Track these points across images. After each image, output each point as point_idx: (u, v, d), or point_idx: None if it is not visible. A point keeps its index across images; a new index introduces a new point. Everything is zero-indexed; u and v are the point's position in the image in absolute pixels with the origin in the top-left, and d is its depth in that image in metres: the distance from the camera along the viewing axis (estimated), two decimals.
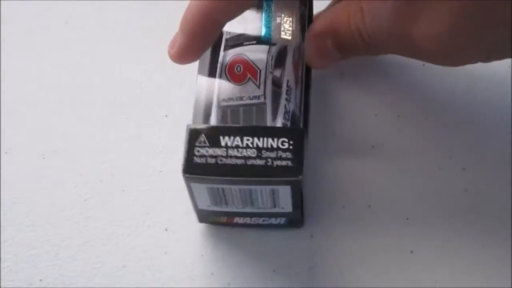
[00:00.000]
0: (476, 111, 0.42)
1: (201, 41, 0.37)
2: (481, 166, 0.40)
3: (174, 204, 0.40)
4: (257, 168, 0.34)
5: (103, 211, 0.40)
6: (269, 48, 0.38)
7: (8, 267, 0.38)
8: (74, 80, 0.46)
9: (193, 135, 0.35)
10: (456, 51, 0.35)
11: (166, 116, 0.43)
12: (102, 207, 0.40)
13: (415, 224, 0.38)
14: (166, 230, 0.39)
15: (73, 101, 0.45)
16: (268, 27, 0.39)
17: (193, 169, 0.34)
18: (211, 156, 0.34)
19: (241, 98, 0.36)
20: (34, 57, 0.47)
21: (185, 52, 0.37)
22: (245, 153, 0.34)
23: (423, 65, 0.44)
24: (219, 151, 0.34)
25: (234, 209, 0.36)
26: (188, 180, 0.34)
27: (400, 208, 0.39)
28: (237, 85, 0.37)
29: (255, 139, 0.34)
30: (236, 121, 0.36)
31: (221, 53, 0.38)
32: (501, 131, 0.41)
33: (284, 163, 0.34)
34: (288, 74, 0.37)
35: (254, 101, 0.36)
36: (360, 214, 0.39)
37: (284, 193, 0.35)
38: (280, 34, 0.38)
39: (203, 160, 0.34)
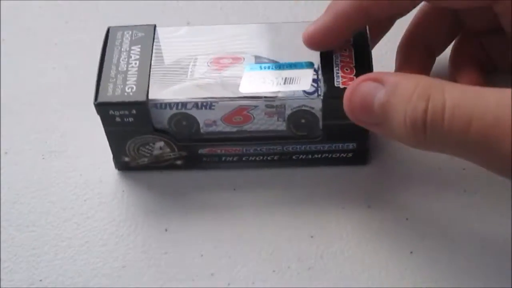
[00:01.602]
0: None
1: (343, 24, 0.37)
2: (481, 167, 0.40)
3: (174, 205, 0.40)
4: None
5: (103, 211, 0.40)
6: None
7: (8, 267, 0.38)
8: (74, 80, 0.46)
9: None
10: None
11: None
12: (102, 207, 0.40)
13: (415, 225, 0.38)
14: (166, 230, 0.39)
15: (73, 101, 0.45)
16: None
17: None
18: None
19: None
20: (35, 57, 0.47)
21: (323, 31, 0.37)
22: None
23: None
24: None
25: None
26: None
27: (400, 209, 0.39)
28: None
29: None
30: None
31: None
32: None
33: None
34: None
35: None
36: (360, 215, 0.39)
37: None
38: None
39: None
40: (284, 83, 0.38)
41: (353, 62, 0.38)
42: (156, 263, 0.38)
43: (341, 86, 0.36)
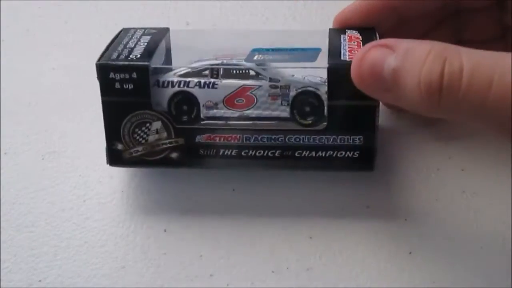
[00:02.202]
0: None
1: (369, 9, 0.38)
2: (480, 167, 0.40)
3: (173, 205, 0.40)
4: None
5: (102, 212, 0.40)
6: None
7: (7, 267, 0.38)
8: (74, 80, 0.46)
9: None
10: None
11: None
12: (101, 208, 0.40)
13: (414, 225, 0.38)
14: (165, 231, 0.39)
15: (73, 101, 0.45)
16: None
17: None
18: None
19: None
20: (34, 57, 0.47)
21: (351, 9, 0.39)
22: None
23: None
24: None
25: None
26: None
27: (398, 209, 0.39)
28: None
29: None
30: None
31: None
32: None
33: None
34: None
35: None
36: (359, 215, 0.39)
37: None
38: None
39: None
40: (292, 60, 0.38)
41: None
42: (155, 264, 0.38)
43: (348, 59, 0.36)
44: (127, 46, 0.38)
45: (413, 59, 0.32)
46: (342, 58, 0.36)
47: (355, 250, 0.38)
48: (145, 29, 0.40)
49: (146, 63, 0.37)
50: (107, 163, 0.39)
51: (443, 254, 0.37)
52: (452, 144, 0.41)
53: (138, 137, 0.38)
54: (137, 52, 0.38)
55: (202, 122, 0.38)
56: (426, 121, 0.42)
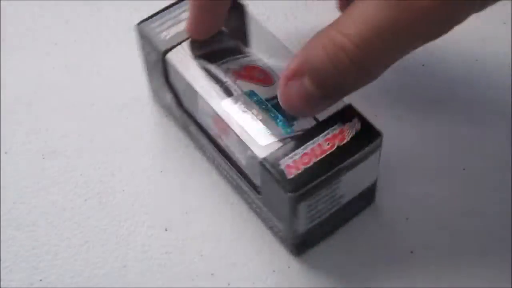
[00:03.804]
0: (476, 111, 0.42)
1: (209, 12, 0.37)
2: (481, 167, 0.40)
3: (174, 204, 0.40)
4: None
5: (103, 211, 0.40)
6: None
7: (8, 267, 0.38)
8: (74, 80, 0.46)
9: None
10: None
11: (166, 116, 0.43)
12: (102, 207, 0.40)
13: (415, 225, 0.38)
14: (166, 230, 0.39)
15: (73, 101, 0.45)
16: None
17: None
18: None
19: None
20: (34, 57, 0.47)
21: (195, 24, 0.38)
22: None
23: (423, 65, 0.44)
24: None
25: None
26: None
27: (400, 208, 0.39)
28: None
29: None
30: None
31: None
32: (501, 131, 0.41)
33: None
34: None
35: None
36: (360, 214, 0.39)
37: None
38: None
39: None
40: (252, 128, 0.35)
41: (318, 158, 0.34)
42: (156, 263, 0.38)
43: (284, 172, 0.33)
44: (176, 19, 0.39)
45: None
46: (281, 165, 0.33)
47: (356, 249, 0.38)
48: None
49: (161, 50, 0.38)
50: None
51: (445, 253, 0.37)
52: (452, 143, 0.41)
53: (162, 93, 0.42)
54: (175, 29, 0.39)
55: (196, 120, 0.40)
56: (426, 122, 0.42)
